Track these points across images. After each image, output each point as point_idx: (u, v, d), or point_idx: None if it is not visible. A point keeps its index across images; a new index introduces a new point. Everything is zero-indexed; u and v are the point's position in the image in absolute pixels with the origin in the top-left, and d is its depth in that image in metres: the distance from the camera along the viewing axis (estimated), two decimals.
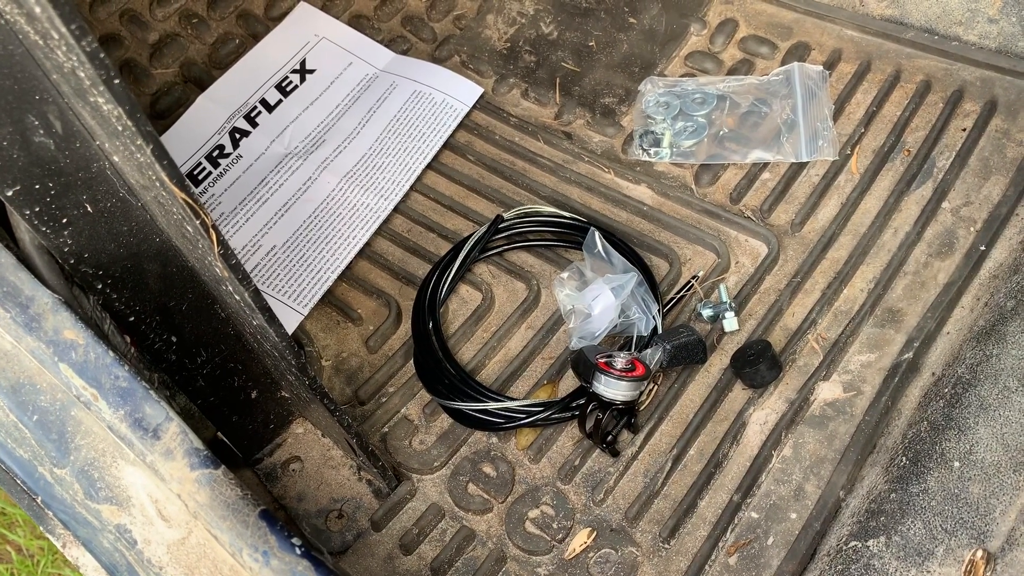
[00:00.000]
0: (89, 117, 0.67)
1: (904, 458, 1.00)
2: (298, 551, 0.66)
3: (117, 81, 0.57)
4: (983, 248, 1.16)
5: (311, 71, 1.44)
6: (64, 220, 0.74)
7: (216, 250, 0.70)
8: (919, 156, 1.26)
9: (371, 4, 1.55)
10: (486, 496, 1.06)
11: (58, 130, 0.69)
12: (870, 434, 1.04)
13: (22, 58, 0.64)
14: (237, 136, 1.37)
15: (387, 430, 1.12)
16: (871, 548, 0.94)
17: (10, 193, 0.69)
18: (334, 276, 1.23)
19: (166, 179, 0.64)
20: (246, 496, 0.69)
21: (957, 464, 0.98)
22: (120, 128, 0.61)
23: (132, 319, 0.84)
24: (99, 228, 0.76)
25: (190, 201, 0.66)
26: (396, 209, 1.31)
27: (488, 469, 1.07)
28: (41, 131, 0.68)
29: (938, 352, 1.09)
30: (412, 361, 1.16)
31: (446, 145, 1.37)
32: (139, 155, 0.64)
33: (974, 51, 1.30)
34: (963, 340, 1.08)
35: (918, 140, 1.28)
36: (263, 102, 1.40)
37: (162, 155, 0.62)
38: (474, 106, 1.41)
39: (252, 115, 1.39)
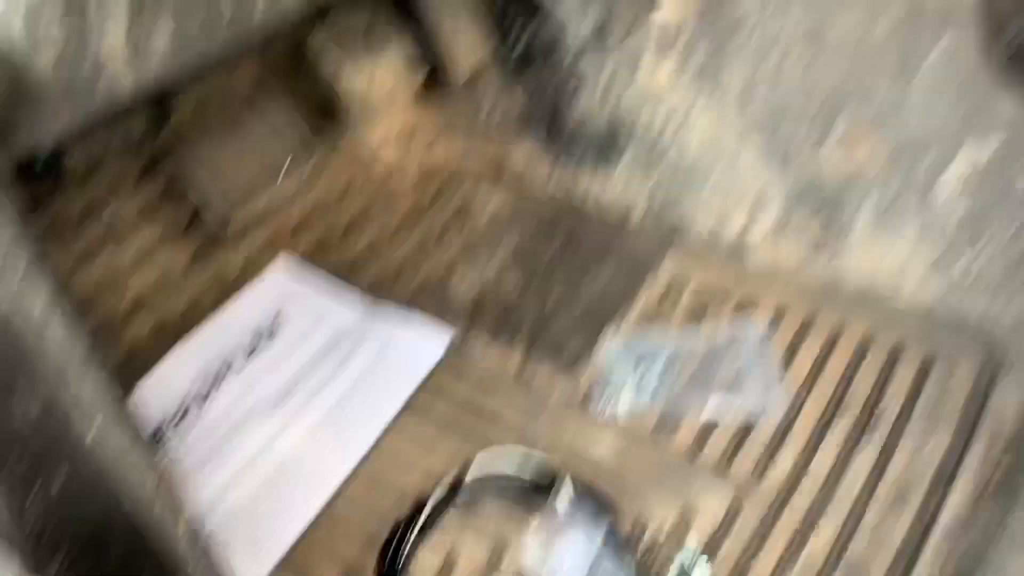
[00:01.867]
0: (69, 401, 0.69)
1: None
2: None
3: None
4: (937, 501, 1.18)
5: (284, 324, 1.50)
6: (31, 495, 0.74)
7: (180, 530, 0.71)
8: (865, 410, 1.31)
9: (344, 264, 1.64)
10: None
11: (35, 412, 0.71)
12: None
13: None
14: (205, 392, 1.40)
15: None
16: None
17: None
18: (294, 536, 1.21)
19: (135, 450, 0.66)
20: None
21: None
22: (101, 410, 0.64)
23: None
24: (65, 504, 0.76)
25: (161, 480, 0.67)
26: (362, 462, 1.32)
27: None
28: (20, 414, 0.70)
29: None
30: None
31: (417, 390, 1.41)
32: (115, 437, 0.66)
33: (907, 310, 1.40)
34: None
35: (863, 394, 1.34)
36: (236, 356, 1.44)
37: (136, 437, 0.65)
38: (443, 354, 1.46)
39: (222, 370, 1.43)
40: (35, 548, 0.77)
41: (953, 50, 1.36)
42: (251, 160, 1.44)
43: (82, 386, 0.63)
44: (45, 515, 0.75)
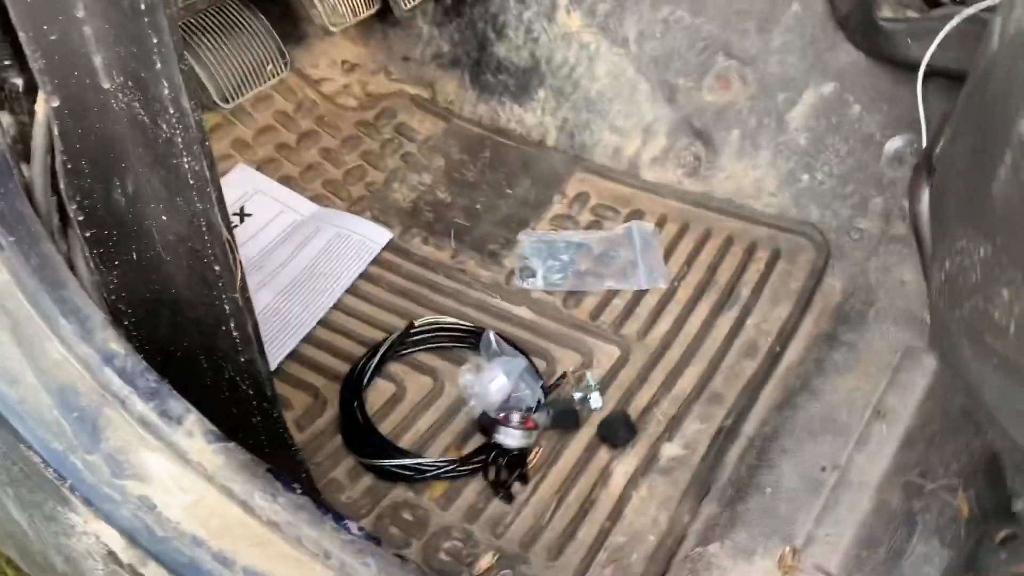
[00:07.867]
0: (158, 181, 0.94)
1: (731, 489, 1.31)
2: (299, 491, 0.88)
3: (207, 143, 0.86)
4: (778, 350, 1.54)
5: (248, 215, 1.73)
6: (116, 263, 0.98)
7: (238, 283, 0.96)
8: (727, 288, 1.67)
9: (297, 169, 1.89)
10: (406, 535, 1.27)
11: (129, 191, 0.95)
12: (704, 479, 1.35)
13: (122, 133, 0.91)
14: None
15: (319, 488, 1.32)
16: (710, 551, 1.23)
17: (88, 234, 0.94)
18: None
19: (219, 220, 0.91)
20: (255, 459, 0.91)
21: (769, 491, 1.30)
22: (193, 181, 0.89)
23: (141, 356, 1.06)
24: (136, 274, 1.00)
25: (231, 239, 0.93)
26: (321, 322, 1.58)
27: (407, 515, 1.30)
28: (119, 190, 0.94)
29: (751, 420, 1.44)
30: (339, 433, 1.39)
31: (362, 276, 1.67)
32: (199, 203, 0.91)
33: (761, 215, 1.77)
34: (768, 409, 1.44)
35: (726, 277, 1.69)
36: None
37: (221, 199, 0.90)
38: (384, 248, 1.73)
39: None
40: (112, 304, 1.01)
41: (802, 14, 1.74)
42: (240, 60, 1.67)
43: (183, 167, 0.87)
44: (122, 279, 0.99)
